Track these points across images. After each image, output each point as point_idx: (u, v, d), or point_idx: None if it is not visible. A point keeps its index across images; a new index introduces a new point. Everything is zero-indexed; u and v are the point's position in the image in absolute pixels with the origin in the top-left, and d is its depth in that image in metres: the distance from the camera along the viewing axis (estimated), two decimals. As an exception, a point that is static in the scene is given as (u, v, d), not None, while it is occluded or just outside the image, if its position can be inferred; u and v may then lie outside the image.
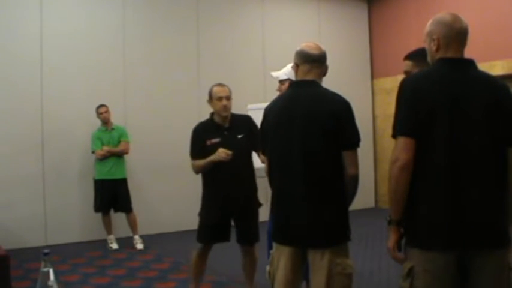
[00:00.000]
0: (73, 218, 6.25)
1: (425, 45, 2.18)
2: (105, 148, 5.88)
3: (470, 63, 2.10)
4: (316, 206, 2.39)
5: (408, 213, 2.02)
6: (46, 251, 1.79)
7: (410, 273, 1.99)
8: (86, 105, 6.16)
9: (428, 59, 2.17)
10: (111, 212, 6.03)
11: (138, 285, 4.50)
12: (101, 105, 6.03)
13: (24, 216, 5.92)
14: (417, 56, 2.56)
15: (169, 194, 6.81)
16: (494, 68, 7.00)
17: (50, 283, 1.75)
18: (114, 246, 5.91)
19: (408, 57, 2.62)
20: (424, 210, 1.98)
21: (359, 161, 2.45)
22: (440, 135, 1.95)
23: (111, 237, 5.98)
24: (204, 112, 7.34)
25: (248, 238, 3.74)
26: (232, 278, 4.57)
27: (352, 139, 2.41)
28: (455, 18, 2.10)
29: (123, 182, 6.00)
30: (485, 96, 2.01)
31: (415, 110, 1.96)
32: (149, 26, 6.91)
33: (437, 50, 2.08)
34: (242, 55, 7.34)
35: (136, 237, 5.96)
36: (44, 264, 1.76)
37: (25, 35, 6.07)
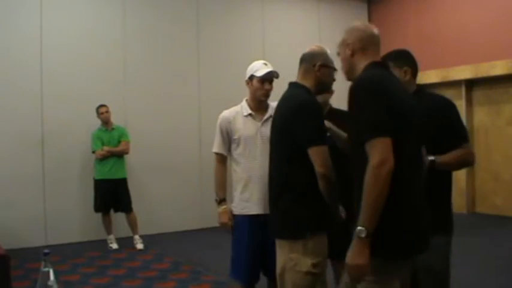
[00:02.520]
0: (73, 218, 6.25)
1: (340, 55, 2.14)
2: (106, 148, 5.88)
3: (389, 67, 2.17)
4: (274, 199, 2.47)
5: (388, 223, 1.83)
6: (46, 251, 1.79)
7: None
8: (86, 105, 6.16)
9: (346, 72, 2.15)
10: (111, 212, 6.03)
11: (138, 285, 4.50)
12: (102, 105, 6.03)
13: (24, 216, 5.92)
14: (395, 57, 2.50)
15: (169, 194, 6.81)
16: (494, 68, 7.00)
17: (50, 283, 1.74)
18: (114, 246, 5.91)
19: (385, 59, 2.48)
20: (395, 217, 1.86)
21: None
22: (408, 139, 1.91)
23: (111, 237, 5.98)
24: (204, 112, 7.40)
25: None
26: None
27: (304, 137, 2.37)
28: (368, 25, 2.13)
29: (123, 182, 6.00)
30: (411, 99, 2.08)
31: (393, 109, 1.86)
32: (149, 26, 6.91)
33: (353, 54, 2.07)
34: (242, 55, 7.32)
35: (136, 237, 5.96)
36: (44, 264, 1.76)
37: (25, 34, 6.07)
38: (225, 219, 3.02)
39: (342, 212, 2.58)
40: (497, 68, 6.97)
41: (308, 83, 2.52)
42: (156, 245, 6.02)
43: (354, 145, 1.92)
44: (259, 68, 2.99)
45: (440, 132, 2.37)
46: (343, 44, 2.10)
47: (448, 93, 7.56)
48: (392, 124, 1.83)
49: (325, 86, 2.61)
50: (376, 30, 2.10)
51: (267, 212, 2.63)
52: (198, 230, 6.22)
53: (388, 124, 1.82)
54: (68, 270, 4.89)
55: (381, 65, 2.07)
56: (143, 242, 5.93)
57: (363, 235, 1.78)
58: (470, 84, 7.62)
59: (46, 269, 1.76)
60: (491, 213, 7.35)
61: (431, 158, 2.32)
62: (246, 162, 2.93)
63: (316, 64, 2.52)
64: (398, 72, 2.45)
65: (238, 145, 2.97)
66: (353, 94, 1.92)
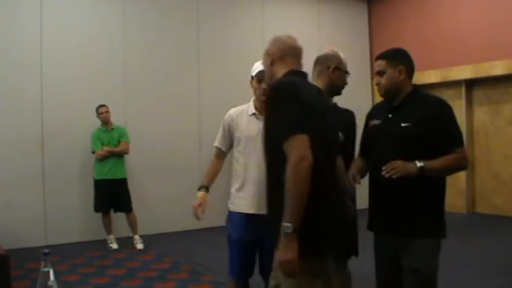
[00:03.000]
0: (73, 218, 6.25)
1: (264, 64, 2.28)
2: (106, 148, 5.88)
3: (307, 75, 2.24)
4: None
5: (308, 221, 1.84)
6: (46, 251, 1.79)
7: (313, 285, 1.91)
8: (86, 105, 6.15)
9: (266, 78, 2.27)
10: (111, 212, 6.03)
11: (138, 285, 4.50)
12: (101, 105, 6.03)
13: (24, 216, 5.92)
14: (390, 55, 2.47)
15: (169, 194, 6.80)
16: (494, 68, 7.01)
17: (50, 283, 1.75)
18: (114, 246, 5.91)
19: (381, 57, 2.49)
20: (317, 212, 1.89)
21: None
22: (325, 138, 2.00)
23: (111, 237, 5.98)
24: (204, 112, 7.40)
25: None
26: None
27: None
28: (290, 37, 2.26)
29: (123, 182, 6.00)
30: (329, 106, 2.25)
31: (310, 108, 1.94)
32: (149, 26, 6.91)
33: (272, 63, 2.20)
34: (242, 55, 7.32)
35: (137, 237, 5.96)
36: (44, 264, 1.76)
37: (25, 36, 6.06)
38: (195, 203, 3.00)
39: (352, 209, 2.57)
40: (497, 68, 6.97)
41: (321, 84, 2.57)
42: (156, 245, 6.02)
43: (271, 146, 1.97)
44: (257, 68, 3.02)
45: (434, 135, 2.32)
46: (266, 53, 2.24)
47: (448, 93, 7.56)
48: (308, 122, 1.89)
49: (337, 89, 2.67)
50: (297, 43, 2.23)
51: (262, 211, 2.59)
52: (198, 230, 6.22)
53: (304, 122, 1.88)
54: (67, 270, 4.89)
55: (298, 73, 2.16)
56: (143, 242, 5.93)
57: (290, 230, 1.80)
58: (470, 84, 7.62)
59: (46, 269, 1.76)
60: (491, 213, 7.35)
61: (420, 164, 2.27)
62: (244, 160, 2.94)
63: (330, 66, 2.60)
64: (392, 71, 2.42)
65: (239, 143, 2.98)
66: (269, 97, 2.00)
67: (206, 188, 3.05)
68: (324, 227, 1.93)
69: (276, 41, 2.25)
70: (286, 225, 1.81)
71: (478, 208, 7.65)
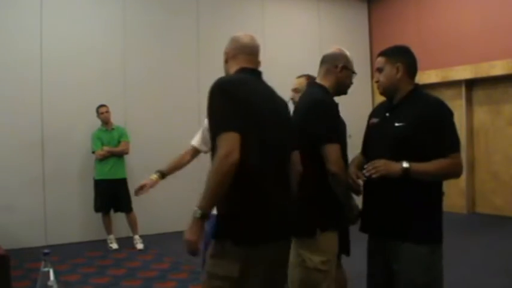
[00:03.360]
0: (73, 218, 6.25)
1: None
2: (106, 148, 5.88)
3: (261, 73, 2.26)
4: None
5: (234, 210, 2.01)
6: (46, 251, 1.79)
7: (240, 275, 1.98)
8: (86, 105, 6.15)
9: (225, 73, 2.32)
10: (111, 212, 6.03)
11: (138, 285, 4.50)
12: (102, 105, 6.03)
13: (24, 216, 5.92)
14: (390, 52, 2.41)
15: (170, 194, 6.79)
16: (494, 68, 7.01)
17: (50, 283, 1.75)
18: (114, 246, 5.91)
19: (381, 53, 2.44)
20: (243, 205, 2.01)
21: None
22: (261, 135, 2.04)
23: (111, 237, 5.98)
24: (204, 111, 7.36)
25: None
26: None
27: (318, 134, 2.45)
28: (245, 36, 2.29)
29: (123, 182, 6.00)
30: (282, 103, 2.26)
31: (245, 107, 2.00)
32: (149, 26, 6.91)
33: (226, 61, 2.30)
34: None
35: (137, 237, 5.96)
36: (44, 264, 1.76)
37: (25, 35, 6.06)
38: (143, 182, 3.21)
39: (356, 209, 2.55)
40: (497, 68, 6.97)
41: (327, 83, 2.56)
42: (156, 245, 6.02)
43: (212, 143, 2.04)
44: None
45: (428, 138, 2.21)
46: (224, 52, 2.33)
47: (448, 93, 7.57)
48: (241, 121, 1.97)
49: (344, 88, 2.65)
50: (252, 42, 2.26)
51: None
52: (198, 230, 6.22)
53: (234, 120, 1.96)
54: (68, 270, 4.89)
55: (249, 70, 2.20)
56: (143, 242, 5.93)
57: (198, 215, 1.94)
58: (470, 84, 7.62)
59: (46, 269, 1.76)
60: (491, 213, 7.35)
61: (406, 165, 2.18)
62: None
63: (338, 65, 2.57)
64: (390, 69, 2.35)
65: None
66: (209, 93, 2.06)
67: (161, 173, 3.18)
68: (248, 218, 2.01)
69: (232, 39, 2.30)
70: (196, 210, 1.95)
71: (478, 208, 7.65)
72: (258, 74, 2.24)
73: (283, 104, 2.27)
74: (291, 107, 3.51)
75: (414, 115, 2.26)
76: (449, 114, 2.30)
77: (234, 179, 1.92)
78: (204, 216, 1.94)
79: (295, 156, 2.29)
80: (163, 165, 3.19)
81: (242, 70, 2.19)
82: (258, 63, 2.27)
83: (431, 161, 2.20)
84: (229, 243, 1.99)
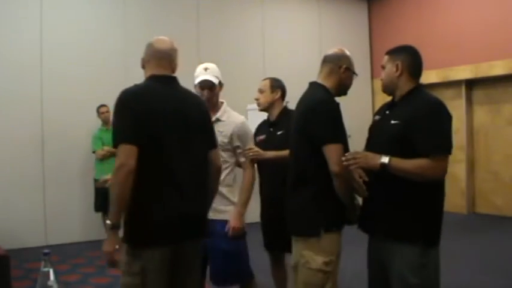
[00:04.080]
0: (73, 218, 6.25)
1: None
2: (106, 148, 5.88)
3: (175, 78, 2.31)
4: (290, 195, 2.54)
5: (134, 215, 2.11)
6: (46, 251, 1.80)
7: (141, 271, 2.11)
8: (86, 105, 6.15)
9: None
10: (111, 212, 6.02)
11: (138, 285, 4.49)
12: (102, 105, 6.03)
13: (24, 216, 5.92)
14: (393, 50, 2.43)
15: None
16: (494, 68, 7.01)
17: (50, 283, 1.75)
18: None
19: (386, 52, 2.46)
20: (141, 210, 2.10)
21: None
22: (168, 143, 2.13)
23: (111, 237, 5.98)
24: (204, 112, 7.37)
25: None
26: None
27: (320, 135, 2.45)
28: (159, 40, 2.37)
29: (123, 182, 5.99)
30: (196, 105, 2.32)
31: (137, 119, 2.08)
32: (150, 26, 6.89)
33: (143, 67, 2.35)
34: (242, 55, 7.34)
35: (137, 237, 5.95)
36: (44, 264, 1.77)
37: (25, 36, 6.07)
38: None
39: (358, 209, 2.54)
40: (497, 68, 6.97)
41: (329, 84, 2.54)
42: (156, 245, 6.01)
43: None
44: (199, 75, 3.09)
45: (417, 137, 2.18)
46: (141, 58, 2.38)
47: (448, 93, 7.57)
48: (137, 132, 2.07)
49: (344, 89, 2.63)
50: (163, 46, 2.33)
51: (213, 217, 2.68)
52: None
53: (128, 132, 2.08)
54: (68, 270, 4.89)
55: (158, 77, 2.25)
56: (143, 242, 5.92)
57: (109, 227, 2.07)
58: (470, 84, 7.62)
59: (46, 269, 1.76)
60: (491, 213, 7.34)
61: (384, 160, 2.18)
62: None
63: (342, 66, 2.55)
64: (390, 66, 2.37)
65: None
66: (117, 103, 2.17)
67: None
68: (139, 224, 2.12)
69: (147, 45, 2.36)
70: (107, 223, 2.08)
71: (478, 208, 7.65)
72: (167, 80, 2.28)
73: (197, 106, 2.33)
74: (256, 108, 3.56)
75: (409, 113, 2.25)
76: (442, 115, 2.24)
77: (133, 188, 2.03)
78: (114, 226, 2.06)
79: (214, 154, 2.39)
80: None
81: (150, 78, 2.27)
82: (172, 67, 2.32)
83: (413, 159, 2.17)
84: (129, 245, 2.14)
